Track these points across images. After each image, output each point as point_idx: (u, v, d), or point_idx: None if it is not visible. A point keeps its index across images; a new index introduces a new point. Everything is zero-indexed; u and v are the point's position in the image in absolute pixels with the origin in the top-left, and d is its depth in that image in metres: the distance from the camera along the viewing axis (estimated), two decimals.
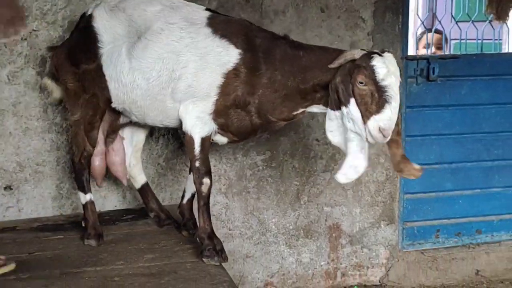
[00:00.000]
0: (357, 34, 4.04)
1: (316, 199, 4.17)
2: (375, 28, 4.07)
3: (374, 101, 2.67)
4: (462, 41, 4.82)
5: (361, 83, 2.68)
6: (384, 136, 2.70)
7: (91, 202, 3.29)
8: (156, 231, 3.35)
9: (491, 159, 4.49)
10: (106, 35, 3.15)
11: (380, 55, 2.72)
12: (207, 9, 3.16)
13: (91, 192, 3.31)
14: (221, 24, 3.00)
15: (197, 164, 2.99)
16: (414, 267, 4.41)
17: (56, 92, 3.44)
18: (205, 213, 3.01)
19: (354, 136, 2.79)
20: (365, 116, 2.70)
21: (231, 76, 2.92)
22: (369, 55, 2.71)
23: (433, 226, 4.49)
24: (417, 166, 2.97)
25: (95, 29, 3.17)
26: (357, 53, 2.75)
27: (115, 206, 3.82)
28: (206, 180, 2.98)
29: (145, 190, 3.52)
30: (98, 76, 3.16)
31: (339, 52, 2.86)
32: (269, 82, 2.93)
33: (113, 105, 3.21)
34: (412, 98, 4.27)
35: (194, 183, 3.04)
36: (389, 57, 2.71)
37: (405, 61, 4.20)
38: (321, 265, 4.24)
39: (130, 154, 3.48)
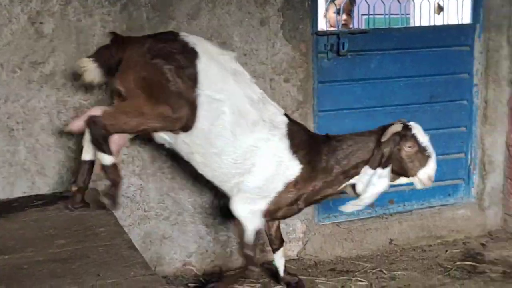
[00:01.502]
0: (267, 11, 4.09)
1: None
2: (285, 4, 4.13)
3: (419, 158, 3.53)
4: (371, 16, 4.95)
5: (410, 147, 3.51)
6: (431, 181, 3.57)
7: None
8: (67, 217, 3.30)
9: None
10: (207, 80, 3.26)
11: (411, 125, 3.56)
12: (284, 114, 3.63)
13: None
14: (295, 139, 3.53)
15: (247, 251, 3.57)
16: (330, 239, 4.55)
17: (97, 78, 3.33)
18: None
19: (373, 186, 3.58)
20: (413, 170, 3.55)
21: (290, 186, 3.51)
22: (407, 127, 3.54)
23: (346, 199, 4.59)
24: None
25: (197, 69, 3.24)
26: (398, 126, 3.53)
27: (24, 192, 3.75)
28: (253, 268, 3.63)
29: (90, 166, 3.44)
30: (191, 109, 3.26)
31: (374, 131, 3.64)
32: (319, 181, 3.59)
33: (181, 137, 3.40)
34: (324, 73, 4.38)
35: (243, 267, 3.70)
36: (418, 125, 3.58)
37: (316, 37, 4.29)
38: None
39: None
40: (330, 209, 4.59)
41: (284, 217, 3.76)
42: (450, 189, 4.88)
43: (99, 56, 3.31)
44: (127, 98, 3.28)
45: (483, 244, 4.66)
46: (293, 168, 3.49)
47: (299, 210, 3.70)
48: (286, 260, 4.36)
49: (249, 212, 3.50)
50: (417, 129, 3.55)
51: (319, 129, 4.43)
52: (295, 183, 3.52)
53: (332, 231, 4.57)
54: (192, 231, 4.19)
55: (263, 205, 3.51)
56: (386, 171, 3.53)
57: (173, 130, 3.34)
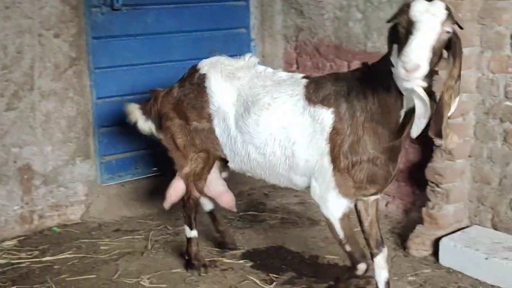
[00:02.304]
0: None
1: (1, 140, 3.98)
2: None
3: (405, 39, 2.51)
4: None
5: (399, 24, 2.56)
6: (407, 71, 2.44)
7: (195, 238, 3.69)
8: None
9: None
10: (217, 98, 3.33)
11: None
12: (304, 77, 3.21)
13: (196, 229, 3.68)
14: (313, 93, 3.03)
15: (347, 248, 3.03)
16: (115, 200, 4.50)
17: (140, 123, 3.68)
18: None
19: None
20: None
21: (334, 137, 2.92)
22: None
23: (132, 158, 4.61)
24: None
25: (209, 90, 3.36)
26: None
27: None
28: (361, 266, 3.04)
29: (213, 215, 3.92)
30: (211, 137, 3.40)
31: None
32: (367, 115, 2.85)
33: (229, 164, 3.46)
34: (98, 28, 4.26)
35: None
36: (437, 2, 2.54)
37: None
38: (14, 210, 4.10)
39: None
40: (114, 169, 4.53)
41: (376, 182, 2.94)
42: None
43: (143, 105, 3.70)
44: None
45: (265, 194, 4.88)
46: (324, 118, 2.95)
47: (387, 167, 2.91)
48: (68, 225, 4.27)
49: (324, 201, 3.00)
50: (421, 2, 2.57)
51: (97, 86, 4.33)
52: (336, 131, 2.92)
53: (117, 192, 4.52)
54: None
55: (329, 179, 2.95)
56: None
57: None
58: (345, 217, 3.00)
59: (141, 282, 3.55)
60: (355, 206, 3.12)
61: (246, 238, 4.12)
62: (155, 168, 4.70)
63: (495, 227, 3.73)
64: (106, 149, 4.47)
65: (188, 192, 3.63)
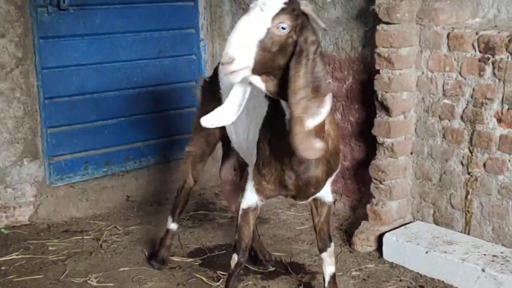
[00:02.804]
0: None
1: None
2: None
3: None
4: None
5: None
6: (222, 64, 2.41)
7: (172, 231, 3.76)
8: None
9: (132, 87, 4.78)
10: (224, 86, 3.35)
11: None
12: None
13: (177, 223, 3.77)
14: None
15: (236, 236, 3.08)
16: (64, 201, 4.54)
17: None
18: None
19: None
20: None
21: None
22: None
23: (81, 158, 4.66)
24: (319, 144, 2.54)
25: (219, 77, 3.42)
26: None
27: None
28: (234, 256, 3.07)
29: None
30: None
31: None
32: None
33: (232, 144, 3.43)
34: (45, 28, 4.30)
35: None
36: None
37: None
38: None
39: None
40: (63, 170, 4.58)
41: (284, 188, 2.91)
42: (185, 143, 5.09)
43: None
44: None
45: (216, 194, 4.97)
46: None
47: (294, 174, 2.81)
48: (17, 227, 4.30)
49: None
50: None
51: (44, 87, 4.37)
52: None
53: (66, 193, 4.56)
54: None
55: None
56: None
57: None
58: (249, 211, 2.99)
59: (88, 281, 3.60)
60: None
61: (195, 237, 4.21)
62: (105, 169, 4.76)
63: (436, 222, 3.89)
64: (54, 149, 4.50)
65: (182, 178, 3.76)
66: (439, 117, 3.76)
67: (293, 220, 4.47)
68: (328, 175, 2.89)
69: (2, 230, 4.26)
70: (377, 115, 3.93)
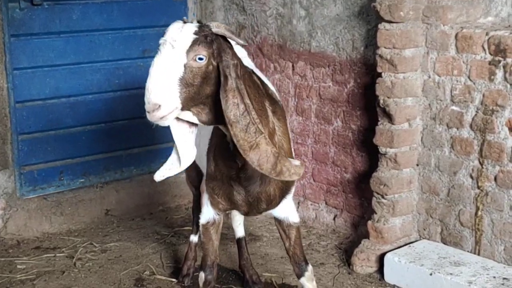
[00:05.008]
0: None
1: None
2: None
3: None
4: None
5: None
6: (148, 112, 2.47)
7: (193, 243, 3.95)
8: None
9: (113, 90, 4.81)
10: None
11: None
12: None
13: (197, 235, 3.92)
14: None
15: (202, 252, 3.25)
16: (36, 214, 4.57)
17: None
18: None
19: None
20: None
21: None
22: None
23: (56, 168, 4.69)
24: (296, 162, 2.68)
25: None
26: None
27: None
28: (201, 275, 3.19)
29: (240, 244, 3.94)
30: None
31: None
32: None
33: None
34: (17, 25, 4.34)
35: None
36: (186, 26, 2.54)
37: None
38: None
39: None
40: (36, 180, 4.60)
41: (232, 203, 3.03)
42: (170, 151, 5.11)
43: None
44: None
45: None
46: None
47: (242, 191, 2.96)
48: None
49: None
50: None
51: (15, 89, 4.40)
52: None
53: (38, 205, 4.59)
54: None
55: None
56: None
57: None
58: (209, 226, 3.10)
59: None
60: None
61: (179, 255, 4.22)
62: (82, 180, 4.78)
63: (444, 241, 3.90)
64: (26, 158, 4.54)
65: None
66: (447, 125, 3.77)
67: None
68: (283, 191, 2.99)
69: None
70: (379, 123, 3.94)
